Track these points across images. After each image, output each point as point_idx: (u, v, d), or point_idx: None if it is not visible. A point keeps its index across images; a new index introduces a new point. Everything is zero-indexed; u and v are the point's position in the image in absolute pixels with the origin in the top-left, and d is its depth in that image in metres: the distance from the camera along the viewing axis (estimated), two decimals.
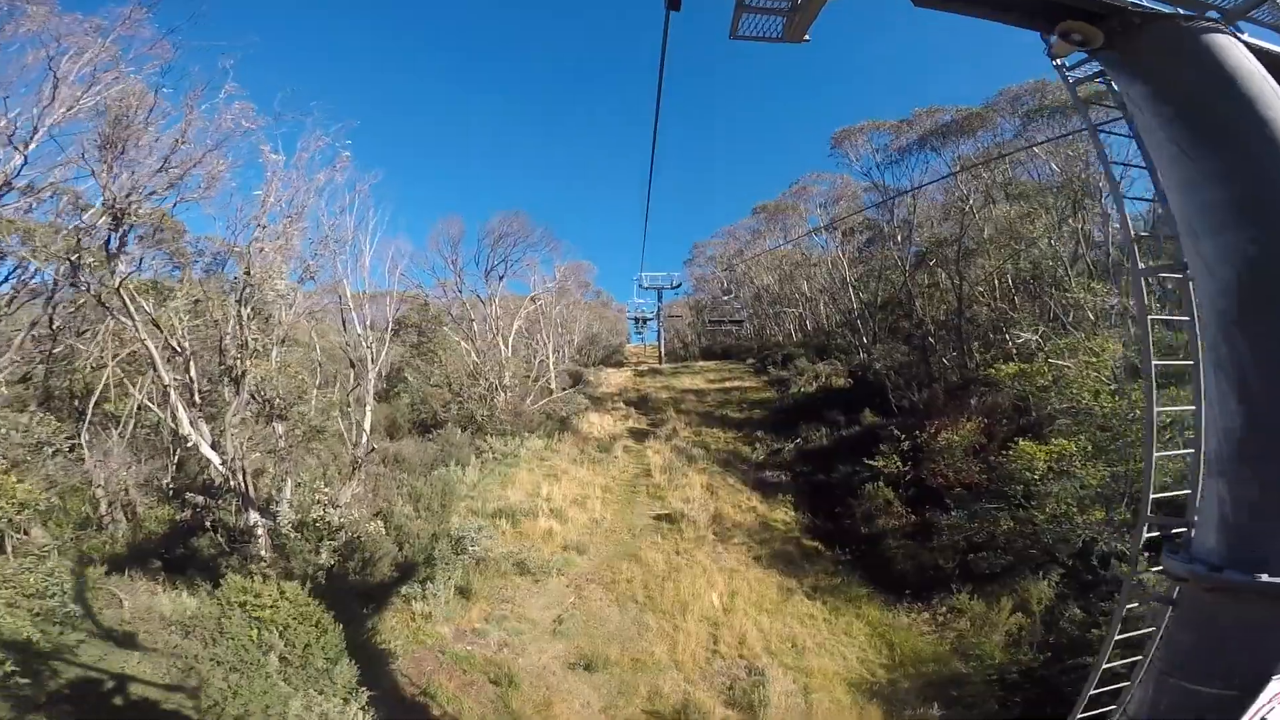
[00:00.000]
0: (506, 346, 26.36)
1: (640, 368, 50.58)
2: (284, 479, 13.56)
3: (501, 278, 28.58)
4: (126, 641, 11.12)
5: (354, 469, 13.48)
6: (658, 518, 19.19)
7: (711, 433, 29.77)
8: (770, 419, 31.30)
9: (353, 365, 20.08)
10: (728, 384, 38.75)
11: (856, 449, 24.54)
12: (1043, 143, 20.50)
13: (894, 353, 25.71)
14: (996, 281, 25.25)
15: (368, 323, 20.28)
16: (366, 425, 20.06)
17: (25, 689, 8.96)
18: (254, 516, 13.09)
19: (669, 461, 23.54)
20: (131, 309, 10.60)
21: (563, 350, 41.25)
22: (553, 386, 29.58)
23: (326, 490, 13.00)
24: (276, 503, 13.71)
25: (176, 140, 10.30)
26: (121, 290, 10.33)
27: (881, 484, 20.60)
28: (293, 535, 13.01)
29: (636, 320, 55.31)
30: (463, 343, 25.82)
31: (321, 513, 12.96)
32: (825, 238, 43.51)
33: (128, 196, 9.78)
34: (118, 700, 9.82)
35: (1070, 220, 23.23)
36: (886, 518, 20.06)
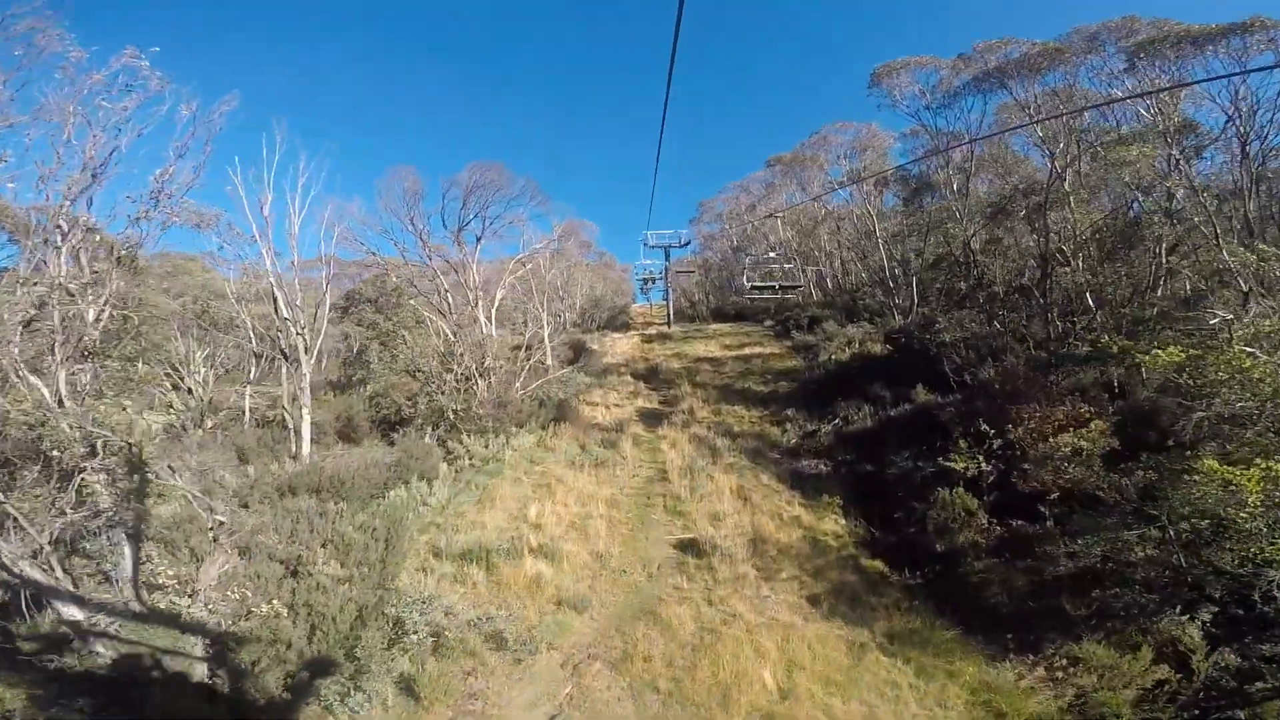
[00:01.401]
0: (490, 321, 21.02)
1: (648, 331, 45.24)
2: (119, 548, 8.44)
3: (479, 239, 22.89)
4: None
5: (214, 539, 8.24)
6: (680, 546, 14.05)
7: (733, 411, 24.54)
8: (799, 392, 26.01)
9: (285, 356, 14.92)
10: (746, 350, 33.24)
11: (909, 433, 19.50)
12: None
13: (964, 320, 20.02)
14: (1079, 239, 19.58)
15: (298, 301, 14.92)
16: (305, 433, 14.92)
17: None
18: (69, 610, 8.02)
19: (689, 458, 18.30)
20: None
21: (563, 317, 35.88)
22: (549, 363, 24.21)
23: (172, 574, 7.88)
24: (117, 583, 8.63)
25: None
26: None
27: (960, 489, 15.49)
28: (128, 633, 7.96)
29: (644, 281, 50.17)
30: (434, 319, 20.45)
31: (169, 603, 7.89)
32: (849, 190, 38.24)
33: None
34: None
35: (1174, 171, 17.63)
36: (967, 530, 15.09)
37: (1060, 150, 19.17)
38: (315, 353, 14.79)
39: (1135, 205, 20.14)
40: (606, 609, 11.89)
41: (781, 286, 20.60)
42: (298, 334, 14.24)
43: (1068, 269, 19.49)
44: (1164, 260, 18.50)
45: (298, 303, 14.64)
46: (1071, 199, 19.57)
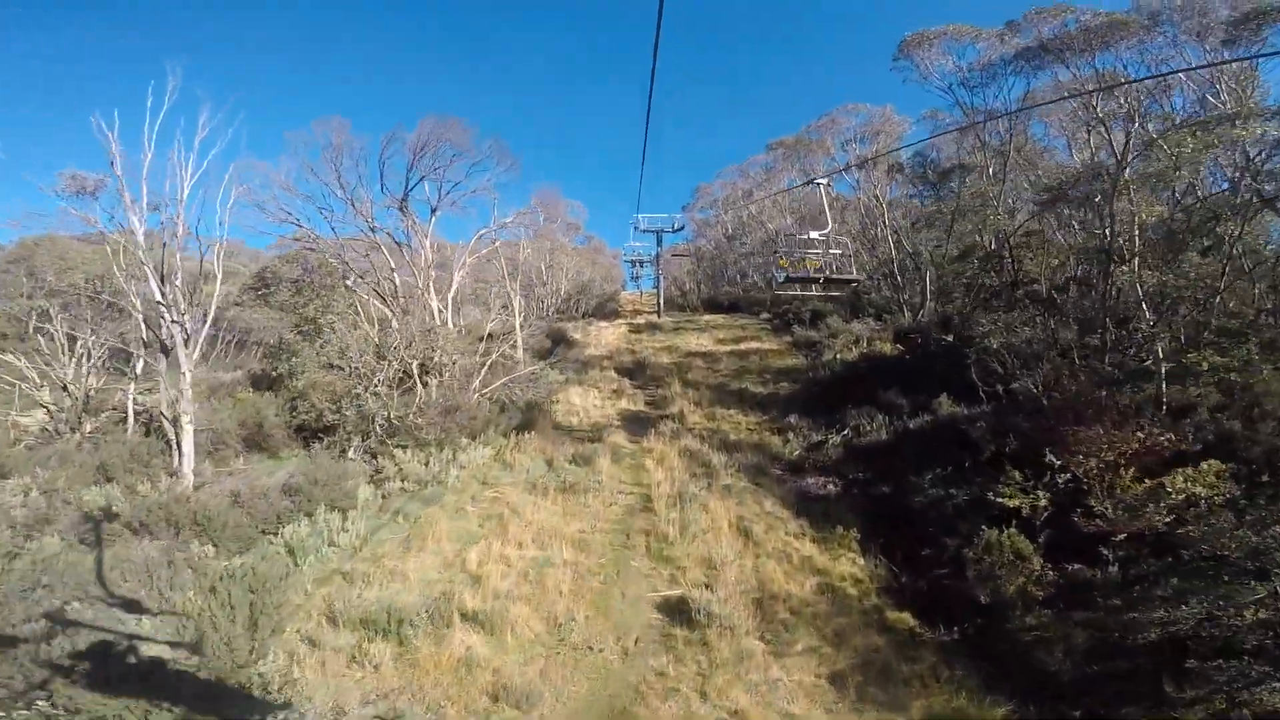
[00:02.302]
0: (446, 308, 17.48)
1: (637, 320, 42.06)
2: None
3: (434, 209, 19.15)
4: None
5: None
6: (666, 608, 10.72)
7: (729, 416, 21.37)
8: (802, 395, 22.95)
9: (164, 350, 11.47)
10: (743, 345, 30.08)
11: (932, 449, 16.55)
12: None
13: (1014, 323, 16.74)
14: (1144, 235, 16.45)
15: (177, 280, 11.43)
16: (187, 446, 11.45)
17: None
18: None
19: (679, 482, 14.94)
20: None
21: (545, 303, 32.39)
22: (519, 356, 20.74)
23: None
24: None
25: None
26: None
27: (1012, 529, 12.37)
28: None
29: (633, 264, 47.10)
30: (373, 302, 16.90)
31: None
32: (856, 177, 35.32)
33: None
34: None
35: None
36: (1016, 577, 12.01)
37: (1134, 130, 15.99)
38: (198, 345, 11.33)
39: (1192, 199, 17.32)
40: (563, 706, 8.55)
41: (829, 279, 14.02)
42: (174, 321, 10.75)
43: (1125, 268, 16.36)
44: (1237, 262, 15.48)
45: (178, 282, 11.11)
46: (1132, 188, 16.44)
